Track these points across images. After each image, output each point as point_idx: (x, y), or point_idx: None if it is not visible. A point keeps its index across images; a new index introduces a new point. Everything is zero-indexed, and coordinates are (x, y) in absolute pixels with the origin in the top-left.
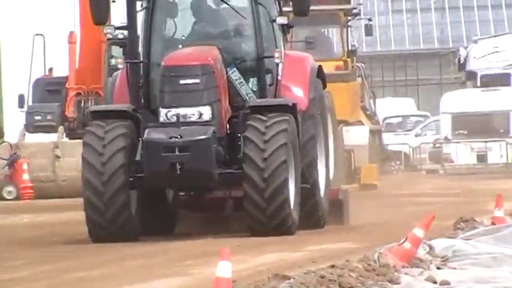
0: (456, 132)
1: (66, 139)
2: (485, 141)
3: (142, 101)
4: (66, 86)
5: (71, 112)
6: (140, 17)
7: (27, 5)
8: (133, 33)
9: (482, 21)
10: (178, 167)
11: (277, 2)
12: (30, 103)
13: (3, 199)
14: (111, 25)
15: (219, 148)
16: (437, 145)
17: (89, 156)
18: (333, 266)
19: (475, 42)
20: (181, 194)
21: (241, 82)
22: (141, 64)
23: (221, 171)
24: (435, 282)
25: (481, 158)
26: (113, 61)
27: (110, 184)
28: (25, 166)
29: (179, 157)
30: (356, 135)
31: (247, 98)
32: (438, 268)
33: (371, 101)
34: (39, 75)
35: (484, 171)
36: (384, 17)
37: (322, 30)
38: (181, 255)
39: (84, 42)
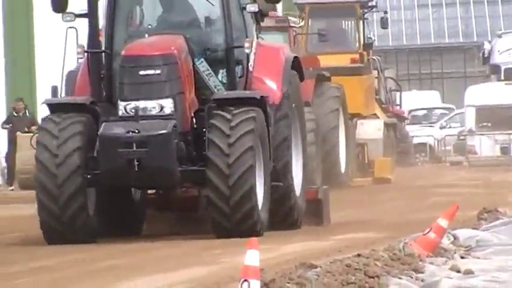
0: (480, 125)
1: None
2: (509, 134)
3: (104, 93)
4: None
5: None
6: (103, 5)
7: None
8: (94, 21)
9: (507, 15)
10: (136, 163)
11: None
12: (63, 95)
13: None
14: (70, 13)
15: (180, 144)
16: (461, 137)
17: (43, 157)
18: (358, 255)
19: (499, 36)
20: (150, 192)
21: (209, 73)
22: (103, 54)
23: (184, 168)
24: (459, 271)
25: (505, 150)
26: None
27: (65, 188)
28: None
29: (137, 153)
30: (370, 129)
31: (215, 90)
32: (462, 257)
33: (394, 93)
34: (71, 67)
35: (507, 163)
36: (410, 12)
37: (339, 22)
38: (208, 245)
39: None
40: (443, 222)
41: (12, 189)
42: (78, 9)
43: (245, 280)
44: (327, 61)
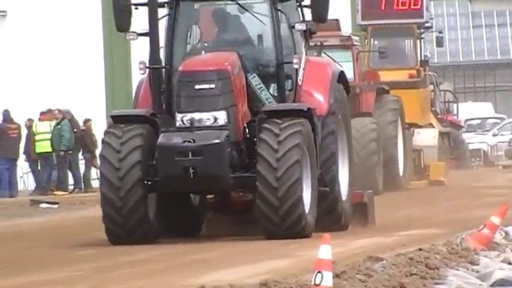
0: None
1: None
2: None
3: (164, 106)
4: None
5: None
6: (163, 24)
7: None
8: (155, 40)
9: None
10: (191, 171)
11: (299, 9)
12: None
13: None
14: (133, 32)
15: (233, 152)
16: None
17: (106, 170)
18: (420, 249)
19: None
20: (209, 196)
21: (261, 87)
22: (163, 70)
23: (236, 175)
24: (510, 264)
25: None
26: None
27: (127, 200)
28: None
29: (192, 161)
30: (426, 137)
31: (266, 102)
32: None
33: (452, 105)
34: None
35: None
36: (466, 31)
37: (398, 41)
38: (283, 241)
39: None
40: (496, 220)
41: None
42: (140, 29)
43: (319, 272)
44: (387, 76)
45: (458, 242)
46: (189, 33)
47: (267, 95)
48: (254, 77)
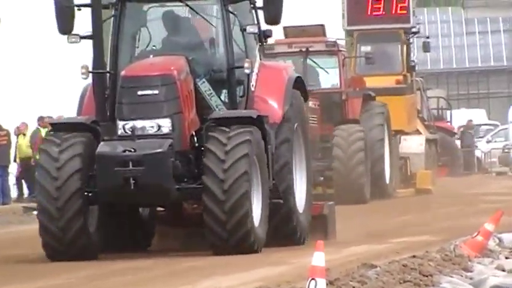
0: None
1: None
2: None
3: (108, 113)
4: None
5: None
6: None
7: None
8: (99, 43)
9: None
10: (132, 181)
11: (253, 11)
12: None
13: None
14: (76, 34)
15: (177, 162)
16: (505, 150)
17: (43, 179)
18: (414, 256)
19: None
20: (159, 208)
21: (211, 93)
22: (108, 75)
23: (181, 187)
24: (504, 270)
25: None
26: None
27: (65, 210)
28: None
29: (133, 171)
30: (413, 144)
31: (216, 109)
32: (507, 258)
33: (445, 111)
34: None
35: None
36: (459, 38)
37: (385, 47)
38: (277, 248)
39: None
40: (489, 227)
41: None
42: (84, 31)
43: (312, 279)
44: (374, 82)
45: (452, 249)
46: (137, 37)
47: (217, 102)
48: (203, 82)
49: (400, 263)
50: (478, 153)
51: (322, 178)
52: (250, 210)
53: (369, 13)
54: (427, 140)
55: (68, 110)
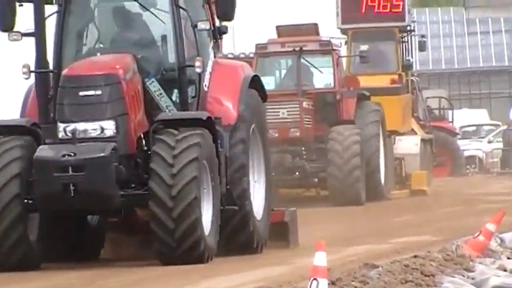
0: None
1: None
2: None
3: (52, 115)
4: None
5: None
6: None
7: None
8: (41, 41)
9: None
10: (72, 188)
11: (206, 7)
12: None
13: None
14: (17, 31)
15: (120, 167)
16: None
17: None
18: (415, 256)
19: None
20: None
21: (160, 94)
22: (51, 75)
23: (127, 192)
24: (505, 270)
25: None
26: None
27: (3, 217)
28: None
29: (72, 177)
30: (408, 144)
31: (167, 110)
32: (508, 258)
33: (447, 111)
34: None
35: None
36: (461, 39)
37: (379, 46)
38: (279, 248)
39: None
40: (491, 227)
41: None
42: (25, 28)
43: (314, 279)
44: (368, 82)
45: (454, 249)
46: (84, 34)
47: (168, 102)
48: (153, 82)
49: (402, 263)
50: (479, 153)
51: (316, 180)
52: (200, 218)
53: (363, 11)
54: (423, 140)
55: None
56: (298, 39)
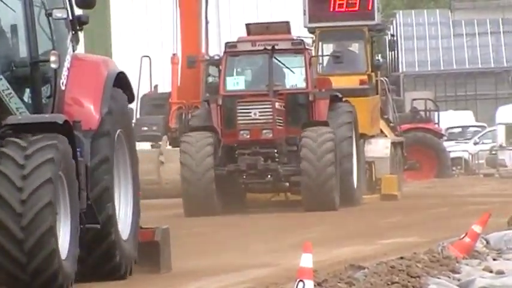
0: (510, 140)
1: (169, 147)
2: None
3: None
4: (170, 100)
5: (173, 123)
6: None
7: (136, 30)
8: None
9: None
10: None
11: None
12: (138, 116)
13: None
14: None
15: None
16: (493, 152)
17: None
18: (401, 258)
19: None
20: None
21: (9, 93)
22: None
23: None
24: (491, 272)
25: None
26: (210, 79)
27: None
28: None
29: None
30: (378, 147)
31: (17, 113)
32: (494, 259)
33: (433, 113)
34: (146, 91)
35: None
36: (446, 40)
37: (348, 45)
38: (265, 248)
39: (185, 63)
40: (477, 228)
41: None
42: None
43: (300, 280)
44: (337, 82)
45: (440, 251)
46: None
47: (18, 104)
48: (0, 79)
49: (388, 265)
50: (465, 155)
51: (287, 184)
52: (57, 247)
53: (331, 9)
54: (393, 143)
55: None
56: (269, 37)
